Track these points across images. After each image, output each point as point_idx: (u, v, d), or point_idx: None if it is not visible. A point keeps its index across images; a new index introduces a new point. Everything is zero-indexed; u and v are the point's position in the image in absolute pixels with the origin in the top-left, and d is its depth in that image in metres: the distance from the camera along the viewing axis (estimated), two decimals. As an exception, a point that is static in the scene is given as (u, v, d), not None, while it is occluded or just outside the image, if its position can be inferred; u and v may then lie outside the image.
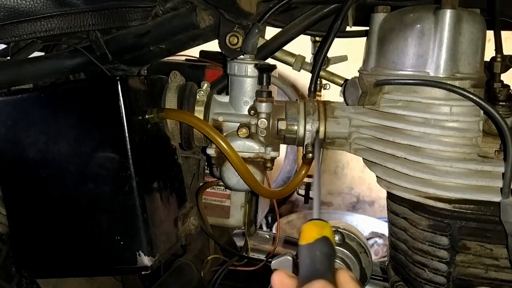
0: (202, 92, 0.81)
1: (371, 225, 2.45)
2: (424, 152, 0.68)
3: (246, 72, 0.79)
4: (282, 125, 0.79)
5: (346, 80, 0.89)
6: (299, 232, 0.46)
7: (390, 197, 0.75)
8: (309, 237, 0.44)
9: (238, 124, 0.79)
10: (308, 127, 0.77)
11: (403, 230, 0.74)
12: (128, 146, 0.68)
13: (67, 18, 0.72)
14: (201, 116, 0.79)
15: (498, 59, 0.76)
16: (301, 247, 0.44)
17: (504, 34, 0.78)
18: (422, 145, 0.68)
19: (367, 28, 0.78)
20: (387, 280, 0.85)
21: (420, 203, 0.69)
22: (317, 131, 0.78)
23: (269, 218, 2.47)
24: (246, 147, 0.78)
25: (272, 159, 0.80)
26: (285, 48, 0.91)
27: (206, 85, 0.82)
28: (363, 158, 0.77)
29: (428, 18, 0.68)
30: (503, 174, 0.64)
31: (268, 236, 1.31)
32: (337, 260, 0.92)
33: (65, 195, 0.72)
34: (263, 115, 0.78)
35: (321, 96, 1.07)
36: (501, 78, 0.77)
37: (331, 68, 1.03)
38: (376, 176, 0.75)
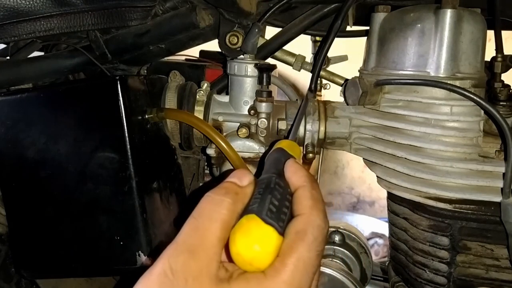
0: (202, 92, 0.81)
1: (371, 225, 2.45)
2: (425, 152, 0.68)
3: (246, 72, 0.79)
4: (282, 125, 0.78)
5: (346, 80, 0.89)
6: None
7: (391, 197, 0.75)
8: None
9: (238, 124, 0.79)
10: (308, 127, 0.77)
11: (404, 230, 0.73)
12: (128, 146, 0.68)
13: (67, 17, 0.72)
14: (201, 116, 0.79)
15: (499, 59, 0.76)
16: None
17: (505, 34, 0.78)
18: (422, 145, 0.68)
19: (368, 27, 0.78)
20: (388, 280, 0.84)
21: (420, 203, 0.68)
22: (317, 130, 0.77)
23: (269, 218, 2.46)
24: (246, 147, 0.78)
25: (272, 159, 0.80)
26: (285, 47, 0.91)
27: (206, 85, 0.82)
28: (363, 158, 0.77)
29: (428, 17, 0.68)
30: (503, 174, 0.63)
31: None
32: (337, 260, 0.92)
33: (64, 195, 0.72)
34: (263, 115, 0.78)
35: (321, 96, 1.06)
36: (502, 78, 0.77)
37: (331, 68, 1.03)
38: (377, 176, 0.75)
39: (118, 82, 0.67)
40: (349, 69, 0.88)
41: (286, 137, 0.64)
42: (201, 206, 0.40)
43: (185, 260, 0.36)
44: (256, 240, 0.37)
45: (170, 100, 0.80)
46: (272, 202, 0.40)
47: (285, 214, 0.40)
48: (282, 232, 0.39)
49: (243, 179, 0.42)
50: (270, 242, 0.37)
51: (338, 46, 0.87)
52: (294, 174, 0.44)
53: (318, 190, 0.44)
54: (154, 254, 0.71)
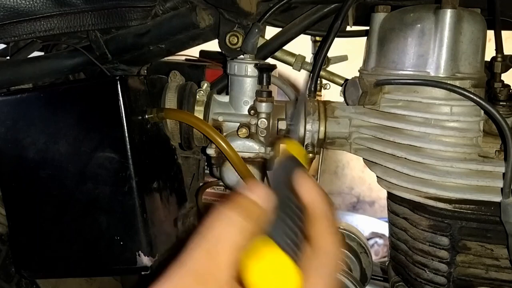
0: (202, 92, 0.81)
1: (371, 225, 2.45)
2: (425, 152, 0.68)
3: (246, 72, 0.79)
4: (282, 125, 0.78)
5: (346, 80, 0.89)
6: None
7: (391, 197, 0.75)
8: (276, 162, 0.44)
9: (238, 124, 0.79)
10: (308, 127, 0.77)
11: (404, 230, 0.73)
12: (128, 146, 0.68)
13: (67, 18, 0.72)
14: (201, 116, 0.79)
15: (499, 59, 0.76)
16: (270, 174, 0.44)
17: (505, 34, 0.78)
18: (422, 145, 0.68)
19: (368, 27, 0.78)
20: (387, 280, 0.84)
21: (420, 203, 0.68)
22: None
23: (269, 218, 2.47)
24: (246, 147, 0.78)
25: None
26: (285, 48, 0.91)
27: (206, 85, 0.82)
28: (363, 158, 0.77)
29: (428, 17, 0.68)
30: (503, 174, 0.63)
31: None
32: (337, 260, 0.92)
33: (64, 195, 0.72)
34: (263, 115, 0.78)
35: (321, 96, 1.06)
36: (502, 78, 0.77)
37: (331, 67, 1.03)
38: (377, 176, 0.75)
39: (118, 82, 0.68)
40: (349, 69, 0.88)
41: (287, 136, 0.61)
42: (213, 225, 0.36)
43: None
44: (273, 272, 0.34)
45: (170, 100, 0.80)
46: (288, 224, 0.37)
47: (300, 238, 0.38)
48: (299, 260, 0.36)
49: (262, 197, 0.38)
50: (288, 276, 0.35)
51: (338, 46, 0.87)
52: (307, 191, 0.41)
53: (332, 209, 0.41)
54: (154, 254, 0.71)
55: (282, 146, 0.46)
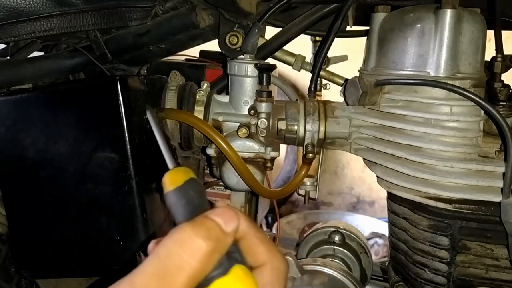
0: (202, 92, 0.81)
1: (371, 225, 2.45)
2: (425, 152, 0.68)
3: (246, 72, 0.79)
4: (282, 125, 0.78)
5: (346, 80, 0.89)
6: (163, 183, 0.41)
7: (391, 197, 0.75)
8: (177, 181, 0.40)
9: (238, 124, 0.79)
10: (308, 127, 0.77)
11: (404, 230, 0.73)
12: (128, 146, 0.68)
13: (67, 18, 0.72)
14: (201, 116, 0.79)
15: (499, 59, 0.76)
16: (170, 193, 0.39)
17: (505, 34, 0.78)
18: (422, 145, 0.68)
19: (367, 27, 0.78)
20: (387, 280, 0.84)
21: (420, 203, 0.68)
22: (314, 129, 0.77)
23: (269, 218, 2.47)
24: (246, 147, 0.78)
25: (272, 159, 0.80)
26: (285, 47, 0.91)
27: (206, 85, 0.82)
28: (363, 158, 0.77)
29: (428, 17, 0.68)
30: (503, 174, 0.63)
31: (268, 236, 1.30)
32: (337, 260, 0.92)
33: (64, 195, 0.72)
34: (263, 115, 0.78)
35: (321, 96, 1.06)
36: (502, 78, 0.77)
37: (331, 67, 1.03)
38: (377, 176, 0.75)
39: (118, 82, 0.67)
40: (349, 69, 0.88)
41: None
42: (172, 246, 0.33)
43: None
44: None
45: (170, 100, 0.80)
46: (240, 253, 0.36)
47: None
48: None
49: (230, 223, 0.35)
50: None
51: (338, 46, 0.87)
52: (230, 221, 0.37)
53: (258, 227, 0.39)
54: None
55: (176, 172, 0.42)
